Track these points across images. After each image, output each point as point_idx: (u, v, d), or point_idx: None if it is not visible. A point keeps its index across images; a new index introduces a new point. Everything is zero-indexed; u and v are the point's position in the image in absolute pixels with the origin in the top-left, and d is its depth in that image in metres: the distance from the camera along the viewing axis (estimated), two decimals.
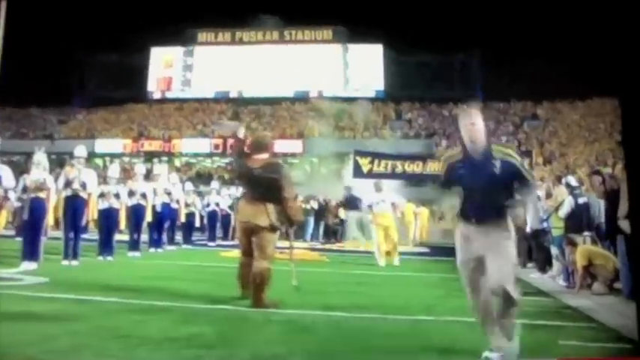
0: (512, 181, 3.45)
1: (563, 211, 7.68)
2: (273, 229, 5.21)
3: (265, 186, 5.17)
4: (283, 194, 5.19)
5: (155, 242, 11.26)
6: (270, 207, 5.18)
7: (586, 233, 7.46)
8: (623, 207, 5.37)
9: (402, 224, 17.75)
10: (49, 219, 8.13)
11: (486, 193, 3.42)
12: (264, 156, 5.38)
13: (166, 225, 11.71)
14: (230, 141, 30.28)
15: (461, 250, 3.63)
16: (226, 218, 15.37)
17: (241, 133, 5.64)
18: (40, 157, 7.92)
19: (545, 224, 8.59)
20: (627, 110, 2.80)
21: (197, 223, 14.24)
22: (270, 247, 5.21)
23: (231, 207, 15.12)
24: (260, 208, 5.16)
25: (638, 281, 3.56)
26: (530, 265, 9.77)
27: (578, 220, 7.56)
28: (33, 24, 26.53)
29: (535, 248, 9.23)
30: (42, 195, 7.73)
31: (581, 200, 7.65)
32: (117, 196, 9.41)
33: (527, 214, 8.93)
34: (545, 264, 8.83)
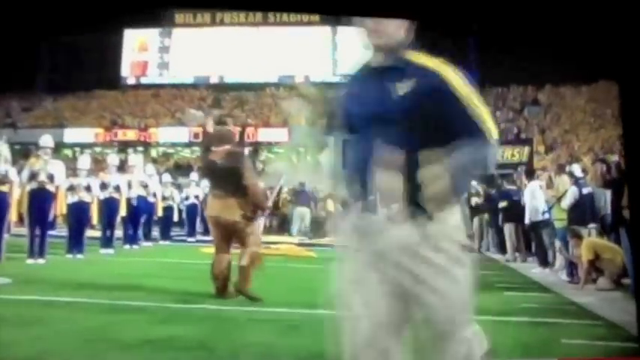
0: (444, 118, 1.75)
1: (567, 202, 7.69)
2: (248, 219, 5.31)
3: (229, 177, 5.29)
4: (244, 182, 5.29)
5: (130, 238, 11.15)
6: (239, 198, 5.28)
7: (591, 225, 7.46)
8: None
9: None
10: (12, 214, 7.99)
11: (393, 139, 1.74)
12: (227, 147, 5.46)
13: (142, 220, 11.59)
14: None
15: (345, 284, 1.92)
16: None
17: (209, 126, 5.77)
18: (1, 148, 7.77)
19: (546, 215, 8.62)
20: (627, 95, 2.77)
21: (175, 218, 14.14)
22: (252, 236, 5.38)
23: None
24: (229, 202, 5.27)
25: (638, 275, 3.54)
26: (530, 259, 9.81)
27: (582, 211, 7.57)
28: None
29: (535, 242, 9.25)
30: (3, 188, 7.55)
31: (585, 190, 7.66)
32: (88, 188, 9.27)
33: (526, 204, 9.00)
34: (546, 258, 8.87)
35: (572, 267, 7.63)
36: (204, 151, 5.68)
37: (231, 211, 5.25)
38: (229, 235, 5.40)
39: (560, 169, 9.27)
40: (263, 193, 5.68)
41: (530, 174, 10.03)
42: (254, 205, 5.40)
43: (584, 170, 8.63)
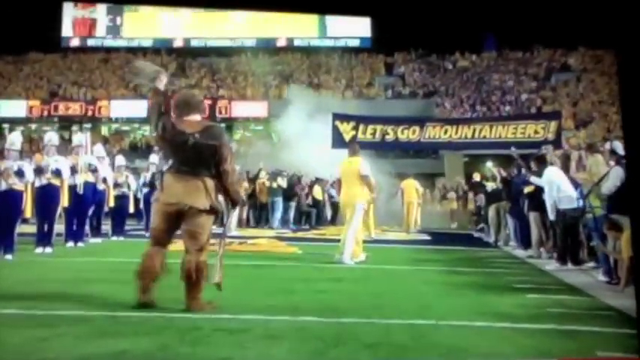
0: None
1: (609, 186, 7.59)
2: (213, 211, 5.16)
3: (202, 156, 5.08)
4: (224, 166, 5.12)
5: (74, 234, 11.04)
6: (210, 183, 5.12)
7: None
8: None
9: (402, 205, 17.85)
10: None
11: None
12: (197, 117, 5.27)
13: (90, 211, 11.51)
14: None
15: None
16: None
17: (161, 83, 5.41)
18: None
19: (580, 202, 8.61)
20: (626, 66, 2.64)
21: (131, 209, 14.03)
22: (205, 235, 5.16)
23: (151, 184, 14.69)
24: (196, 185, 5.07)
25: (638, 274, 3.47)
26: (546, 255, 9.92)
27: (624, 197, 7.49)
28: None
29: (561, 234, 9.26)
30: None
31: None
32: (19, 173, 9.14)
33: (546, 191, 9.05)
34: (571, 253, 8.93)
35: (609, 265, 7.61)
36: (159, 117, 5.25)
37: (197, 197, 5.06)
38: (178, 225, 5.19)
39: (589, 149, 9.28)
40: (240, 183, 5.47)
41: (542, 161, 10.02)
42: (229, 196, 5.26)
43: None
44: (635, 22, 2.55)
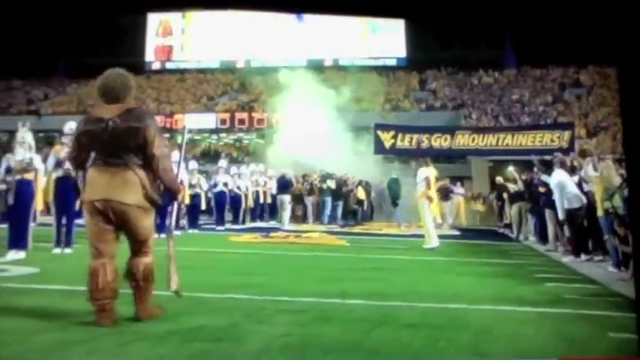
0: None
1: None
2: (152, 203, 3.98)
3: (126, 142, 3.88)
4: (151, 150, 3.90)
5: (158, 227, 11.14)
6: (141, 173, 3.93)
7: None
8: None
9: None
10: (38, 203, 8.06)
11: None
12: (122, 104, 4.05)
13: (169, 209, 11.68)
14: (238, 115, 30.20)
15: None
16: (235, 199, 15.37)
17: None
18: (25, 135, 7.84)
19: (584, 200, 8.53)
20: (627, 82, 2.57)
21: (203, 206, 14.23)
22: (146, 232, 4.05)
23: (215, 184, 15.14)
24: (124, 177, 3.88)
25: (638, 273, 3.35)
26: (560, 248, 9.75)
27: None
28: None
29: (572, 230, 9.12)
30: (29, 177, 7.66)
31: None
32: None
33: (555, 194, 9.05)
34: (582, 246, 8.83)
35: (618, 257, 7.45)
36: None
37: (126, 190, 3.87)
38: (118, 227, 3.96)
39: (580, 155, 9.24)
40: (173, 170, 4.23)
41: (547, 165, 10.02)
42: (164, 186, 4.09)
43: None
44: (634, 41, 2.50)
